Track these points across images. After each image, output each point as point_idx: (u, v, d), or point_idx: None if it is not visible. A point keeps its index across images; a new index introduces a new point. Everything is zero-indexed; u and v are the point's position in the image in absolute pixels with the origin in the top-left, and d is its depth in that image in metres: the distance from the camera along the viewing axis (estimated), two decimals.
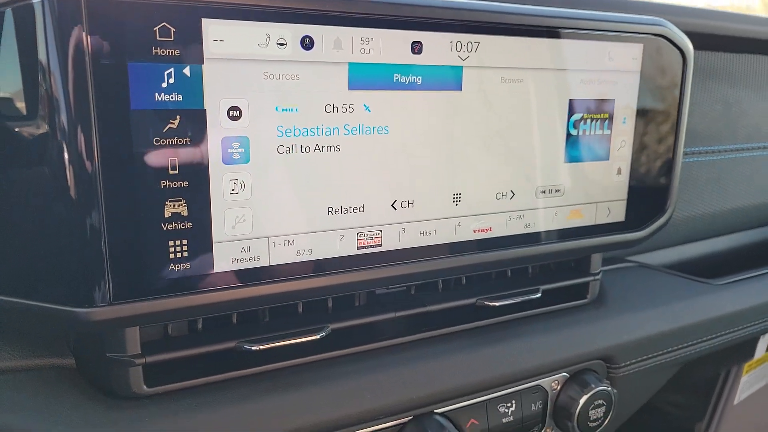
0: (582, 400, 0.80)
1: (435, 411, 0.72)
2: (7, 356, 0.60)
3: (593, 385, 0.80)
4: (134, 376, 0.59)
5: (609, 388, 0.82)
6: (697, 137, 1.01)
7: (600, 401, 0.81)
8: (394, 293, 0.77)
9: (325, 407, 0.65)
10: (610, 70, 0.77)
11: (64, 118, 0.50)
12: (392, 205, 0.67)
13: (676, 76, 0.83)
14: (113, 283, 0.54)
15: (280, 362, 0.67)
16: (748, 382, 1.63)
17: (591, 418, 0.81)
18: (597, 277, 0.86)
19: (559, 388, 0.82)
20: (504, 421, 0.77)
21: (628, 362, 0.87)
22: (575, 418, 0.80)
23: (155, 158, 0.53)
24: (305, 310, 0.71)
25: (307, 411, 0.64)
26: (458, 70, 0.67)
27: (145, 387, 0.60)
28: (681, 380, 1.82)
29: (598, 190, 0.81)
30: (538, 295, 0.80)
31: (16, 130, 0.52)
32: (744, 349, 1.58)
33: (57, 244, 0.53)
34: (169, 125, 0.54)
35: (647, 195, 0.85)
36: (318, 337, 0.66)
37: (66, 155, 0.50)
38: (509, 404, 0.78)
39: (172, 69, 0.53)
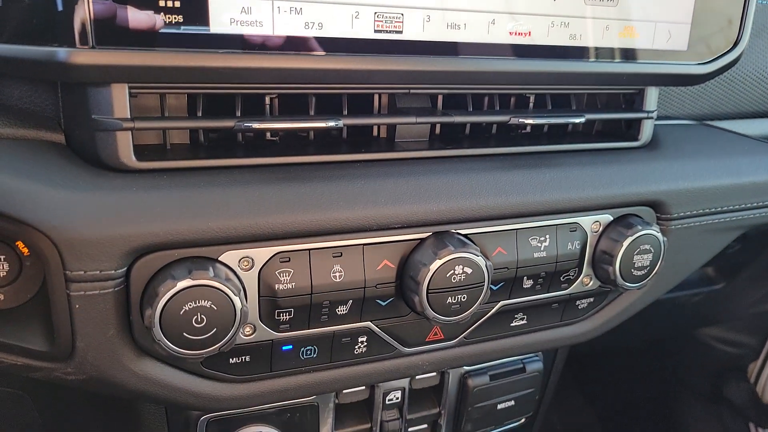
0: (626, 243, 0.71)
1: (458, 232, 0.65)
2: None
3: (640, 227, 0.71)
4: (122, 143, 0.54)
5: (658, 234, 0.72)
6: None
7: (647, 246, 0.72)
8: (417, 107, 0.69)
9: (332, 204, 0.59)
10: None
11: None
12: None
13: None
14: (96, 25, 0.49)
15: (287, 156, 0.61)
16: None
17: (635, 265, 0.72)
18: (651, 114, 0.76)
19: (600, 230, 0.73)
20: (535, 255, 0.69)
21: (681, 214, 0.77)
22: (617, 263, 0.71)
23: None
24: (318, 111, 0.64)
25: (312, 205, 0.58)
26: None
27: (134, 159, 0.55)
28: (733, 315, 1.70)
29: (658, 7, 0.70)
30: (582, 120, 0.71)
31: None
32: None
33: None
34: None
35: (715, 23, 0.74)
36: (327, 125, 0.60)
37: None
38: (542, 238, 0.70)
39: None
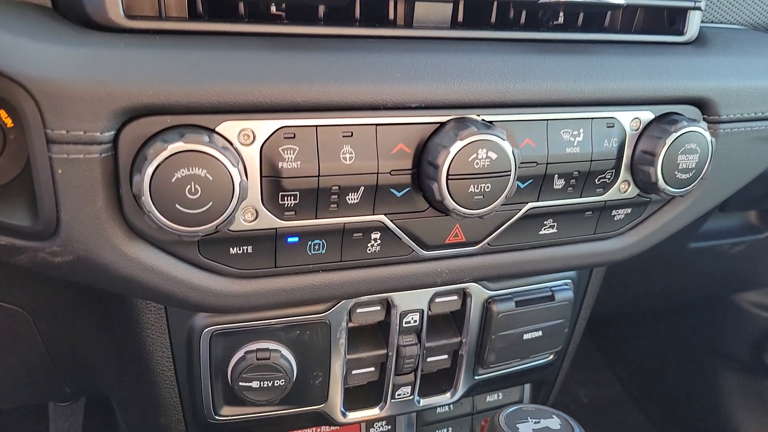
0: (670, 140, 0.64)
1: (482, 118, 0.59)
2: None
3: (685, 123, 0.64)
4: None
5: (705, 132, 0.65)
6: None
7: (692, 145, 0.65)
8: None
9: (342, 75, 0.53)
10: None
11: None
12: None
13: None
14: None
15: (294, 26, 0.55)
16: None
17: (680, 167, 0.65)
18: (698, 4, 0.69)
19: (640, 129, 0.66)
20: (568, 151, 0.63)
21: (730, 116, 0.70)
22: (659, 163, 0.64)
23: None
24: None
25: (319, 75, 0.52)
26: None
27: (123, 16, 0.50)
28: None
29: None
30: (622, 2, 0.64)
31: None
32: None
33: None
34: None
35: None
36: None
37: None
38: (576, 132, 0.63)
39: None
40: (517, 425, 0.67)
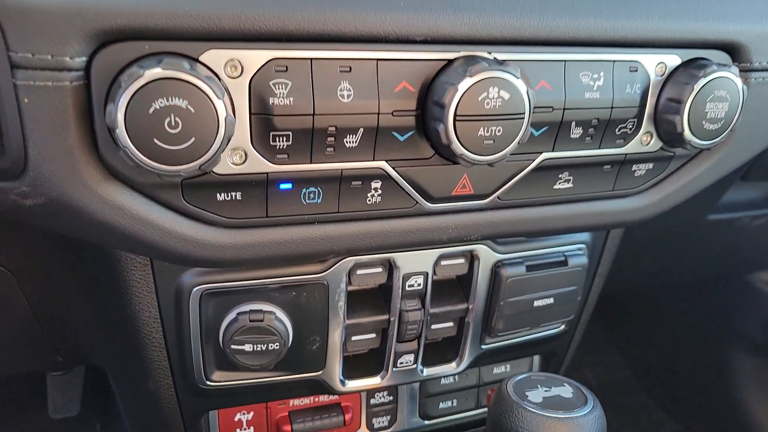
0: (698, 85, 0.58)
1: (495, 56, 0.54)
2: None
3: (716, 68, 0.59)
4: None
5: (737, 78, 0.60)
6: None
7: (722, 93, 0.60)
8: None
9: (341, 1, 0.48)
10: None
11: None
12: None
13: None
14: None
15: None
16: None
17: (708, 116, 0.60)
18: None
19: (665, 75, 0.61)
20: (587, 96, 0.58)
21: (763, 64, 0.64)
22: (685, 110, 0.59)
23: None
24: None
25: (317, 2, 0.47)
26: None
27: None
28: None
29: None
30: None
31: None
32: None
33: None
34: None
35: None
36: None
37: None
38: (596, 75, 0.58)
39: None
40: (526, 393, 0.62)
